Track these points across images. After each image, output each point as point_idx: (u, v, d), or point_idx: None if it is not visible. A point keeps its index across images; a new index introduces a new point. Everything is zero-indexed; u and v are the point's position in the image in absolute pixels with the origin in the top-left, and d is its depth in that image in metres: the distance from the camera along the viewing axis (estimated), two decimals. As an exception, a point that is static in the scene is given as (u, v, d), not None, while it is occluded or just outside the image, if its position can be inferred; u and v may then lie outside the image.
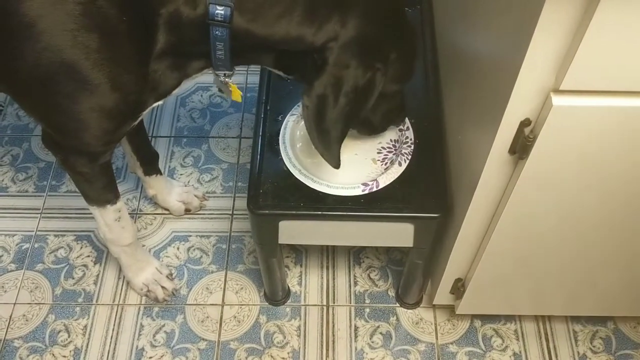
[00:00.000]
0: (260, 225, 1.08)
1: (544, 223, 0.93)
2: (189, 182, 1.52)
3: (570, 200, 0.87)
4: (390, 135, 1.11)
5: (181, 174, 1.53)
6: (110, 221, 1.17)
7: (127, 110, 0.92)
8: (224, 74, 0.95)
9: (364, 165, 1.08)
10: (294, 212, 1.04)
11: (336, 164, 0.95)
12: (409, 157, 1.06)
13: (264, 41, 0.89)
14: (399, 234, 1.07)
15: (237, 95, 1.04)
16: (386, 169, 1.06)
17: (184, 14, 0.84)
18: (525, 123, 0.75)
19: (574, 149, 0.77)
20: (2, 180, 1.52)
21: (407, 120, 1.10)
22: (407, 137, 1.08)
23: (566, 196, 0.86)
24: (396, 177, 1.05)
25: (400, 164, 1.06)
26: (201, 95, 1.66)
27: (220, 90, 1.05)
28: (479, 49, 0.89)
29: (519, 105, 0.73)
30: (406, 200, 1.03)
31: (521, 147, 0.78)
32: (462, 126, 1.02)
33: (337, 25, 0.86)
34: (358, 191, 1.04)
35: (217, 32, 0.86)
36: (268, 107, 1.15)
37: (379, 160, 1.08)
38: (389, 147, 1.10)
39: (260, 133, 1.12)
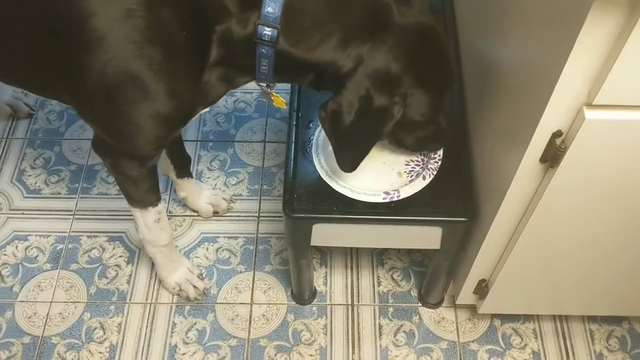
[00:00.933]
0: (294, 227, 1.13)
1: (570, 228, 0.98)
2: (215, 185, 1.57)
3: (597, 208, 0.92)
4: None
5: (208, 177, 1.58)
6: (150, 222, 1.22)
7: (180, 117, 0.98)
8: (266, 85, 1.00)
9: (390, 175, 1.12)
10: (327, 215, 1.09)
11: (346, 169, 1.01)
12: (435, 172, 1.10)
13: (302, 63, 0.94)
14: (427, 237, 1.12)
15: (280, 103, 1.09)
16: (410, 181, 1.10)
17: (235, 32, 0.90)
18: (557, 134, 0.80)
19: (604, 160, 0.82)
20: (36, 183, 1.57)
21: None
22: (435, 154, 1.12)
23: (593, 204, 0.91)
24: (418, 190, 1.09)
25: (424, 178, 1.10)
26: (226, 101, 1.71)
27: (264, 98, 1.11)
28: (510, 61, 0.94)
29: (552, 117, 0.78)
30: (435, 204, 1.08)
31: (552, 156, 0.83)
32: (489, 134, 1.07)
33: (364, 55, 0.91)
34: (379, 199, 1.08)
35: (262, 50, 0.92)
36: (299, 115, 1.20)
37: (405, 172, 1.12)
38: (417, 161, 1.13)
39: (293, 140, 1.17)
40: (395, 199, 1.08)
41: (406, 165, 1.13)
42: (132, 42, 0.86)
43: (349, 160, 1.02)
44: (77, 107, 1.02)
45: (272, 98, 1.05)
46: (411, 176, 1.11)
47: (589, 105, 0.75)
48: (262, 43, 0.90)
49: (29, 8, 0.89)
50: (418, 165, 1.12)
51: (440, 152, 1.12)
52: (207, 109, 1.04)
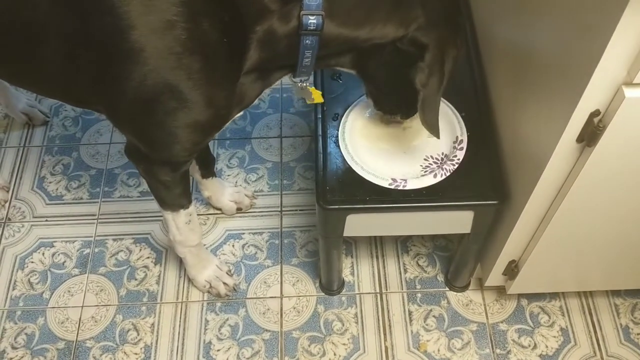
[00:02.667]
0: (328, 219, 1.15)
1: (602, 207, 1.00)
2: (236, 182, 1.58)
3: (631, 186, 0.94)
4: (443, 147, 1.15)
5: (228, 175, 1.59)
6: (181, 224, 1.23)
7: (217, 123, 0.99)
8: (301, 80, 1.01)
9: (405, 165, 1.14)
10: (361, 205, 1.10)
11: (439, 134, 1.04)
12: (447, 173, 1.11)
13: (352, 41, 0.95)
14: (458, 221, 1.15)
15: (318, 96, 1.09)
16: (422, 175, 1.11)
17: (278, 29, 0.90)
18: (594, 113, 0.82)
19: (642, 138, 0.84)
20: (57, 189, 1.58)
21: (463, 138, 1.14)
22: (455, 155, 1.12)
23: (627, 182, 0.93)
24: (425, 185, 1.10)
25: (435, 176, 1.10)
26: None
27: (298, 96, 1.11)
28: (544, 44, 0.95)
29: (591, 97, 0.80)
30: (466, 189, 1.10)
31: (589, 136, 0.85)
32: (516, 116, 1.09)
33: (420, 10, 0.93)
34: (385, 183, 1.10)
35: (307, 41, 0.91)
36: (324, 108, 1.22)
37: (421, 166, 1.13)
38: (435, 158, 1.14)
39: (320, 133, 1.18)
40: (400, 187, 1.10)
41: (425, 160, 1.14)
42: (173, 53, 0.86)
43: (437, 125, 1.03)
44: (112, 117, 1.02)
45: (311, 91, 1.05)
46: (425, 171, 1.12)
47: (629, 84, 0.77)
48: (307, 33, 0.90)
49: (67, 21, 0.88)
50: (436, 162, 1.13)
51: (461, 155, 1.12)
52: (241, 112, 1.04)
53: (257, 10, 0.88)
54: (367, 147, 1.16)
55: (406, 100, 1.05)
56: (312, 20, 0.88)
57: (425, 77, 0.94)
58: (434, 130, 1.03)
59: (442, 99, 1.17)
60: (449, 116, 1.16)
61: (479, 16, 1.30)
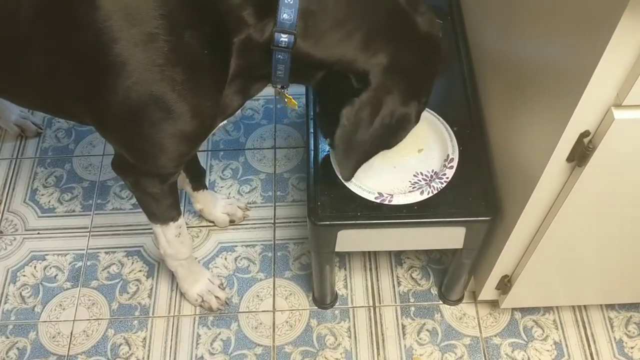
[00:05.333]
0: (320, 235, 1.14)
1: (594, 224, 1.00)
2: (229, 194, 1.57)
3: (622, 206, 0.94)
4: (434, 165, 1.14)
5: (221, 187, 1.59)
6: (171, 237, 1.22)
7: (202, 133, 0.99)
8: (281, 87, 1.02)
9: (394, 180, 1.13)
10: (352, 221, 1.10)
11: (347, 177, 1.06)
12: (434, 191, 1.09)
13: (320, 63, 0.95)
14: (450, 237, 1.14)
15: (292, 104, 1.11)
16: (410, 191, 1.11)
17: (253, 41, 0.91)
18: (584, 134, 0.82)
19: (631, 158, 0.83)
20: (49, 202, 1.57)
21: (454, 157, 1.12)
22: (444, 174, 1.11)
23: (618, 202, 0.93)
24: (410, 202, 1.09)
25: (422, 193, 1.09)
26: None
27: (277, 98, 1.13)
28: (535, 63, 0.95)
29: (581, 118, 0.80)
30: (457, 204, 1.10)
31: (579, 156, 0.85)
32: (508, 132, 1.08)
33: (389, 56, 0.93)
34: (371, 197, 1.09)
35: (279, 56, 0.92)
36: (317, 122, 1.21)
37: (409, 182, 1.13)
38: (425, 175, 1.13)
39: (312, 147, 1.18)
40: (386, 202, 1.09)
41: (414, 176, 1.13)
42: (155, 65, 0.86)
43: (352, 167, 1.05)
44: (99, 128, 1.03)
45: (286, 99, 1.06)
46: (413, 187, 1.12)
47: (618, 105, 0.76)
48: (278, 49, 0.91)
49: (49, 36, 0.89)
50: (425, 179, 1.12)
51: (450, 174, 1.11)
52: (224, 122, 1.05)
53: (235, 22, 0.89)
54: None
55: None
56: (284, 38, 0.90)
57: (351, 112, 0.95)
58: (343, 170, 1.05)
59: (435, 114, 1.17)
60: (442, 133, 1.15)
61: (472, 30, 1.29)
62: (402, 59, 0.95)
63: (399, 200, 1.09)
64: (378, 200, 1.09)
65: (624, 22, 0.66)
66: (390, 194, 1.09)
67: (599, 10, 0.71)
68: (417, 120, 1.03)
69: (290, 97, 1.09)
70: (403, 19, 0.96)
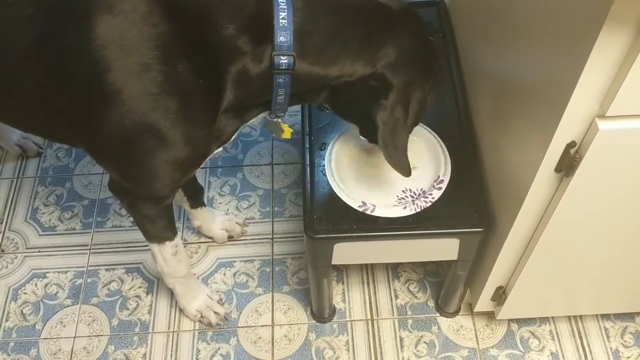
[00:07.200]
0: (316, 248, 1.16)
1: (586, 234, 1.01)
2: (228, 210, 1.59)
3: (612, 214, 0.96)
4: (423, 183, 1.15)
5: (220, 203, 1.61)
6: (168, 256, 1.24)
7: (196, 160, 1.01)
8: (277, 116, 1.03)
9: (381, 192, 1.15)
10: (348, 234, 1.12)
11: (407, 173, 1.04)
12: (417, 209, 1.11)
13: (323, 79, 0.97)
14: (445, 248, 1.16)
15: (287, 134, 1.12)
16: (394, 205, 1.12)
17: (251, 69, 0.92)
18: (571, 145, 0.84)
19: (618, 168, 0.85)
20: (50, 220, 1.59)
21: (444, 179, 1.14)
22: (431, 194, 1.13)
23: (608, 210, 0.95)
24: (392, 216, 1.11)
25: (405, 208, 1.11)
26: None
27: (270, 130, 1.14)
28: (522, 76, 0.98)
29: (566, 129, 0.82)
30: (451, 216, 1.12)
31: (567, 166, 0.87)
32: (499, 145, 1.11)
33: (390, 49, 0.96)
34: (354, 204, 1.12)
35: (280, 80, 0.94)
36: (312, 138, 1.23)
37: (396, 196, 1.14)
38: (412, 192, 1.14)
39: (308, 162, 1.20)
40: (367, 212, 1.11)
41: (402, 192, 1.15)
42: (150, 94, 0.88)
43: (405, 161, 1.04)
44: (93, 155, 1.05)
45: (282, 128, 1.08)
46: (398, 202, 1.13)
47: (602, 116, 0.79)
48: (279, 73, 0.93)
49: (43, 64, 0.91)
50: (412, 197, 1.14)
51: (437, 195, 1.13)
52: (220, 149, 1.06)
53: (231, 52, 0.90)
54: (354, 174, 1.17)
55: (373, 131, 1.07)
56: (284, 60, 0.91)
57: (386, 115, 0.97)
58: (402, 169, 1.04)
59: (433, 133, 1.19)
60: (437, 153, 1.17)
61: (463, 45, 1.32)
62: (402, 46, 0.97)
63: (381, 212, 1.11)
64: (361, 209, 1.11)
65: (603, 34, 0.68)
66: (373, 205, 1.11)
67: (579, 24, 0.73)
68: (431, 93, 1.05)
69: (286, 125, 1.11)
70: (382, 11, 0.98)
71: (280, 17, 0.90)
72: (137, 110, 0.89)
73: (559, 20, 0.81)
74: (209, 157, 1.06)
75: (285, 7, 0.91)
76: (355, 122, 1.11)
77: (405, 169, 1.04)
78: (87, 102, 0.90)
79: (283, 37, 0.91)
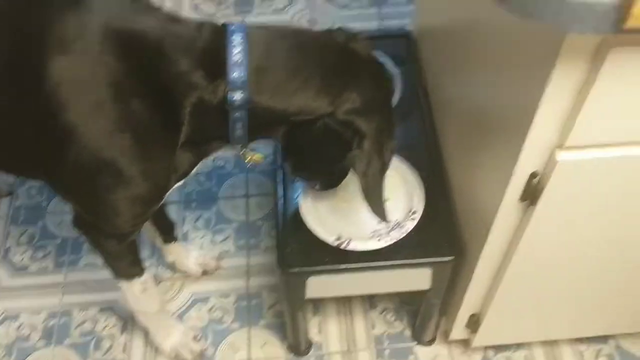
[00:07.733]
0: (290, 282, 1.16)
1: (554, 261, 1.03)
2: (202, 244, 1.59)
3: (578, 242, 0.98)
4: (397, 215, 1.15)
5: (194, 237, 1.60)
6: (137, 293, 1.23)
7: (156, 194, 1.01)
8: (240, 147, 1.03)
9: (357, 226, 1.14)
10: (321, 267, 1.12)
11: (386, 218, 1.03)
12: (392, 240, 1.12)
13: (281, 114, 0.96)
14: (417, 278, 1.16)
15: (257, 159, 1.08)
16: (369, 238, 1.13)
17: (206, 102, 0.92)
18: (533, 175, 0.86)
19: (580, 197, 0.87)
20: (22, 260, 1.57)
21: (417, 210, 1.15)
22: (405, 226, 1.13)
23: (574, 238, 0.97)
24: (365, 249, 1.11)
25: (379, 240, 1.12)
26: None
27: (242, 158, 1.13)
28: (483, 106, 1.00)
29: (527, 159, 0.84)
30: (422, 246, 1.12)
31: (531, 195, 0.88)
32: (466, 174, 1.12)
33: (354, 94, 0.94)
34: (330, 239, 1.12)
35: (236, 115, 0.93)
36: (284, 171, 1.24)
37: (371, 230, 1.14)
38: (386, 224, 1.13)
39: (281, 195, 1.20)
40: (342, 246, 1.11)
41: (377, 223, 1.14)
42: (104, 132, 0.89)
43: (382, 207, 1.03)
44: (56, 190, 1.05)
45: (248, 157, 1.06)
46: (372, 235, 1.14)
47: (561, 147, 0.81)
48: (233, 108, 0.92)
49: (8, 95, 0.91)
50: (385, 229, 1.14)
51: (411, 226, 1.13)
52: (181, 182, 1.05)
53: (186, 86, 0.90)
54: (327, 208, 1.18)
55: (328, 174, 1.10)
56: (237, 96, 0.91)
57: (364, 165, 0.96)
58: (380, 215, 1.03)
59: (407, 163, 1.20)
60: (412, 185, 1.18)
61: (431, 74, 1.35)
62: (367, 94, 0.95)
63: (355, 245, 1.11)
64: (336, 244, 1.11)
65: (559, 68, 0.70)
66: (349, 238, 1.12)
67: (536, 55, 0.75)
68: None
69: (253, 153, 1.09)
70: (349, 54, 0.98)
71: (234, 52, 0.90)
72: (93, 147, 0.89)
73: (517, 51, 0.83)
74: (169, 192, 1.05)
75: (241, 42, 0.91)
76: (310, 168, 1.10)
77: (383, 215, 1.03)
78: (46, 139, 0.91)
79: (237, 74, 0.90)
